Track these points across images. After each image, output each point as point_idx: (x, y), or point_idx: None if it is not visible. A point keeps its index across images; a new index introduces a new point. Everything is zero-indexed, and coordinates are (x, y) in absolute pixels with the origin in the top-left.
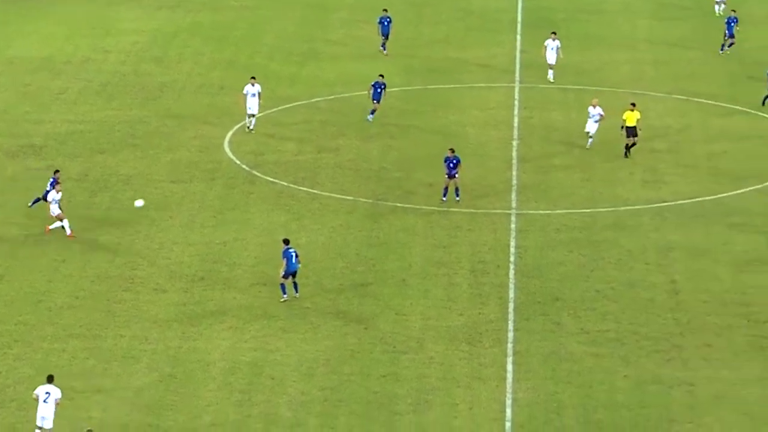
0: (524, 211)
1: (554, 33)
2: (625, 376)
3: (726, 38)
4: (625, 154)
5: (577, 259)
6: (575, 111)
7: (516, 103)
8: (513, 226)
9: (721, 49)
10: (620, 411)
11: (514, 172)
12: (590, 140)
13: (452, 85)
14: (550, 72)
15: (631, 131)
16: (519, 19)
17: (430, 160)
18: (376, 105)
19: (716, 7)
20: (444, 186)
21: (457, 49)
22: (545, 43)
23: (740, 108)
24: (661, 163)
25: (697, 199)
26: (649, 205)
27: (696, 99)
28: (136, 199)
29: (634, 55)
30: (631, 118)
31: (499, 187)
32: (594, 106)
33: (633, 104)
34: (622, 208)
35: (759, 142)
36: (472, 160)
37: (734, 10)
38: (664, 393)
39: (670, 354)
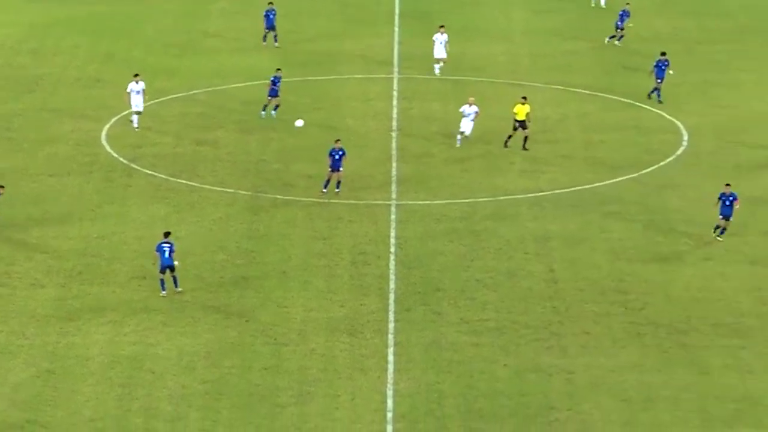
0: (404, 202)
1: (442, 27)
2: (504, 364)
3: (617, 30)
4: (505, 144)
5: (457, 249)
6: (454, 102)
7: (395, 94)
8: (393, 216)
9: (609, 39)
10: (500, 399)
11: (394, 163)
12: (460, 137)
13: (331, 77)
14: (437, 66)
15: (521, 124)
16: (396, 10)
17: (309, 151)
18: (271, 100)
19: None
20: (326, 178)
21: (335, 40)
22: (433, 38)
23: (616, 98)
24: (539, 153)
25: (575, 189)
26: (528, 195)
27: (573, 89)
28: (296, 120)
29: (511, 47)
30: (521, 112)
31: (379, 178)
32: (470, 105)
33: (524, 98)
34: (501, 198)
35: (634, 131)
36: (352, 152)
37: (628, 3)
38: (543, 381)
39: (549, 342)
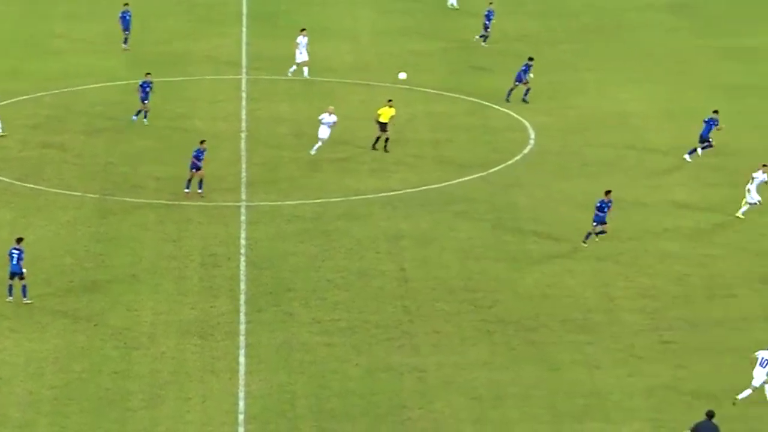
0: (255, 203)
1: (304, 30)
2: (356, 364)
3: (485, 29)
4: (373, 146)
5: (308, 250)
6: (302, 102)
7: (243, 95)
8: (243, 218)
9: (480, 37)
10: (352, 399)
11: (244, 165)
12: (319, 144)
13: (180, 78)
14: (293, 68)
15: (383, 126)
16: (244, 11)
17: (158, 153)
18: (145, 105)
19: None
20: (188, 177)
21: (184, 41)
22: (297, 41)
23: (464, 97)
24: (389, 153)
25: (424, 188)
26: (379, 195)
27: (420, 89)
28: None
29: (359, 47)
30: (386, 114)
31: (229, 179)
32: (329, 114)
33: (390, 100)
34: (353, 198)
35: (482, 130)
36: None
37: (491, 2)
38: (395, 380)
39: (401, 341)
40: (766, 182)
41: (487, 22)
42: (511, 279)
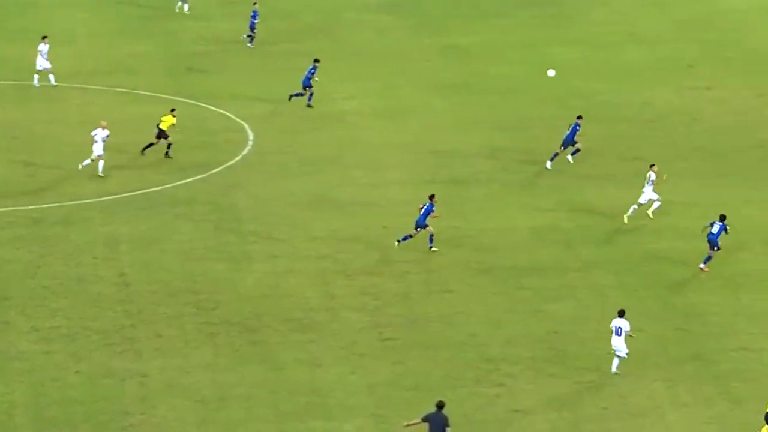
0: None
1: (45, 37)
2: (77, 371)
3: (252, 30)
4: (142, 151)
5: (24, 256)
6: (14, 106)
7: None
8: None
9: (247, 37)
10: (73, 406)
11: None
12: (101, 163)
13: None
14: (36, 77)
15: (162, 134)
16: None
17: None
18: None
19: (179, 4)
20: None
21: None
22: (38, 48)
23: (181, 99)
24: (106, 156)
25: (145, 191)
26: (98, 199)
27: (137, 91)
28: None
29: (75, 49)
30: (165, 122)
31: None
32: (102, 128)
33: (173, 110)
34: (71, 203)
35: (200, 132)
36: None
37: (255, 3)
38: (117, 385)
39: (122, 346)
40: (653, 181)
41: (253, 22)
42: (232, 280)
